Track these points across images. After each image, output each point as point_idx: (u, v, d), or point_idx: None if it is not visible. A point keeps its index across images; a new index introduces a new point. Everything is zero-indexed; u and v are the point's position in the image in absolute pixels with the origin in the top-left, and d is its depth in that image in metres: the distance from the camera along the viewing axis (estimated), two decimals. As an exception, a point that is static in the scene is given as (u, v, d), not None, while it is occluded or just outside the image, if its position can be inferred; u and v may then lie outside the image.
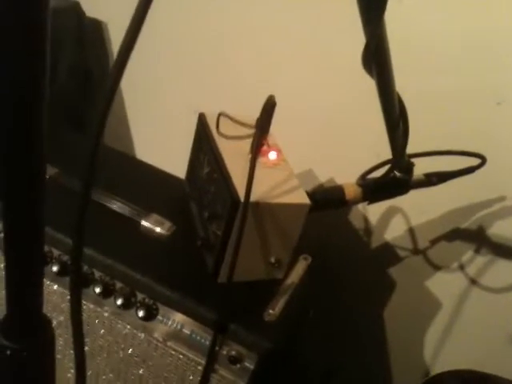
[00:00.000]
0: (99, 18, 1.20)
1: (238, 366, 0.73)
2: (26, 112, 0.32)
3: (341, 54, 0.97)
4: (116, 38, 1.22)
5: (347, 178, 0.86)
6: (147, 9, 0.32)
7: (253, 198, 0.69)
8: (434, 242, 1.09)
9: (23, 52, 0.30)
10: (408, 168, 0.82)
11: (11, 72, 0.31)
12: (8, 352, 0.38)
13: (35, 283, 0.38)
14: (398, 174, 0.82)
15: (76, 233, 0.38)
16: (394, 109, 0.63)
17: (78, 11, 1.17)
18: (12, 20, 0.29)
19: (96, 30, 1.20)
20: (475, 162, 0.86)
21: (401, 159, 0.76)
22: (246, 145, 0.79)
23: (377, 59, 0.50)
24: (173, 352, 0.77)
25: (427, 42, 0.93)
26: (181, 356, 0.76)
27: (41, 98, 0.32)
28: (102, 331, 0.81)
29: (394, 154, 0.74)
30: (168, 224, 0.85)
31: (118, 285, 0.77)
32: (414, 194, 0.88)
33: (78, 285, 0.42)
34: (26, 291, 0.38)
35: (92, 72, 1.24)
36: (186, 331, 0.75)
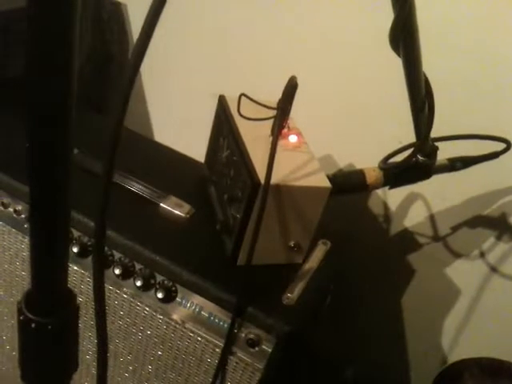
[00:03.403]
0: (118, -1, 1.20)
1: (256, 348, 0.73)
2: (56, 95, 0.32)
3: (365, 35, 0.95)
4: (136, 20, 1.21)
5: (368, 163, 0.84)
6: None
7: (273, 180, 0.68)
8: (454, 228, 1.08)
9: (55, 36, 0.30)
10: (431, 152, 0.80)
11: (40, 59, 0.31)
12: (33, 325, 0.39)
13: (60, 257, 0.38)
14: (420, 158, 0.81)
15: (99, 218, 0.38)
16: (420, 90, 0.61)
17: (97, -7, 1.16)
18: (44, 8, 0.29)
19: (115, 11, 1.19)
20: (499, 146, 0.84)
21: (424, 143, 0.75)
22: (267, 127, 0.78)
23: (405, 37, 0.49)
24: (191, 334, 0.77)
25: (449, 25, 0.91)
26: (199, 338, 0.77)
27: (70, 82, 0.32)
28: (121, 312, 0.82)
29: (417, 136, 0.72)
30: (187, 207, 0.85)
31: (138, 266, 0.77)
32: (435, 180, 0.86)
33: (101, 266, 0.41)
34: (50, 265, 0.38)
35: (112, 54, 1.23)
36: (205, 313, 0.75)
